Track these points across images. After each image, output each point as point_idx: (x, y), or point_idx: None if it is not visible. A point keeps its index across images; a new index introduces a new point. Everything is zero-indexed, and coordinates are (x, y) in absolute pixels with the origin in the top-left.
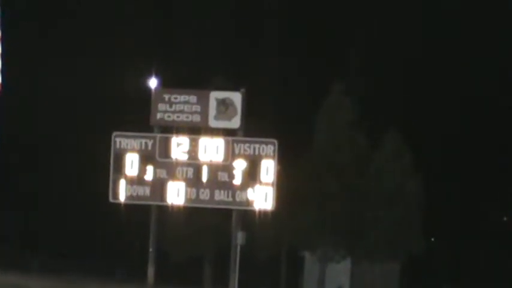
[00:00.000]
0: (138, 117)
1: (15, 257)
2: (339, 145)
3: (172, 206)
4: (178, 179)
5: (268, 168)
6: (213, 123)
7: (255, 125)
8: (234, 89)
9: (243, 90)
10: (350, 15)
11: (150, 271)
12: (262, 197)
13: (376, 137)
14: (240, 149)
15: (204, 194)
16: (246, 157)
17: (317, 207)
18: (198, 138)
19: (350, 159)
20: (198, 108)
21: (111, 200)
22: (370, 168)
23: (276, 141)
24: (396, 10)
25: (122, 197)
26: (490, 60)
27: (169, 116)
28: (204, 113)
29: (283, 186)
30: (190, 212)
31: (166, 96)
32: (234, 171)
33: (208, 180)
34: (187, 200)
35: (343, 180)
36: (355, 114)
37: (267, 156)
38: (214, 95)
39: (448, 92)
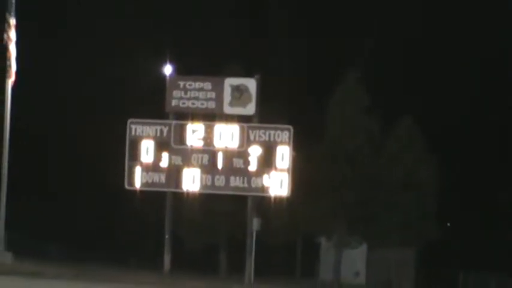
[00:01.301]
0: (153, 104)
1: (32, 245)
2: (352, 132)
3: (188, 193)
4: (193, 166)
5: (284, 155)
6: (227, 109)
7: (269, 111)
8: (249, 75)
9: (257, 76)
10: (365, 2)
11: (166, 258)
12: (277, 183)
13: (389, 123)
14: (255, 136)
15: (220, 181)
16: (261, 143)
17: (332, 194)
18: (213, 125)
19: (364, 146)
20: (212, 94)
21: (126, 187)
22: (383, 154)
23: (291, 128)
24: None
25: (138, 184)
26: (505, 44)
27: (184, 103)
28: (219, 100)
29: (299, 173)
30: (206, 199)
31: (181, 83)
32: (249, 158)
33: (223, 166)
34: (202, 186)
35: (357, 167)
36: (368, 101)
37: (282, 142)
38: (229, 82)
39: (461, 77)
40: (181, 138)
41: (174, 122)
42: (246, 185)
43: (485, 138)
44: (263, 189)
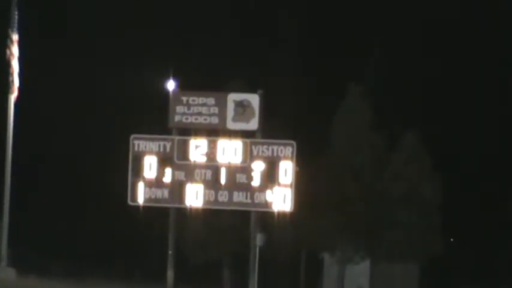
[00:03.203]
0: (156, 119)
1: (34, 260)
2: (357, 147)
3: (191, 208)
4: (196, 181)
5: (287, 170)
6: (231, 125)
7: (273, 127)
8: (252, 91)
9: (260, 92)
10: (368, 16)
11: (170, 274)
12: (280, 199)
13: (394, 139)
14: (258, 151)
15: (223, 196)
16: (265, 159)
17: (336, 209)
18: (216, 140)
19: (368, 161)
20: (216, 110)
21: (129, 202)
22: (388, 169)
23: (294, 143)
24: (412, 11)
25: (141, 200)
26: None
27: (187, 118)
28: (222, 115)
29: (302, 188)
30: (209, 214)
31: (184, 99)
32: (253, 173)
33: (226, 182)
34: (205, 202)
35: (362, 182)
36: (373, 116)
37: (285, 157)
38: (232, 97)
39: (466, 93)
40: (184, 153)
41: (177, 138)
42: (249, 200)
43: (490, 153)
44: (266, 204)
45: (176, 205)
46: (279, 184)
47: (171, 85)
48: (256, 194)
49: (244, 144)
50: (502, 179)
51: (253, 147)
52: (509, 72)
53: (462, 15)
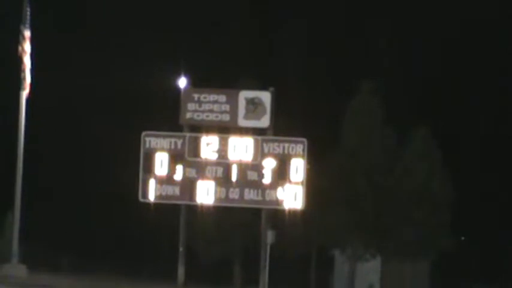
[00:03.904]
0: (168, 116)
1: (44, 257)
2: (367, 144)
3: (202, 206)
4: (207, 178)
5: (298, 167)
6: (242, 122)
7: (284, 124)
8: (263, 88)
9: (272, 89)
10: (379, 13)
11: (180, 271)
12: (291, 196)
13: (404, 136)
14: (269, 148)
15: (234, 194)
16: (276, 156)
17: (346, 206)
18: (228, 138)
19: (379, 158)
20: (227, 107)
21: (140, 199)
22: (399, 166)
23: (305, 140)
24: (422, 7)
25: (152, 197)
26: None
27: (198, 116)
28: (234, 112)
29: (313, 185)
30: (220, 212)
31: (196, 96)
32: (264, 171)
33: (237, 179)
34: (216, 199)
35: (372, 179)
36: (384, 113)
37: (296, 155)
38: (244, 95)
39: (476, 90)
40: (195, 150)
41: (188, 135)
42: (260, 197)
43: (501, 150)
44: (277, 202)
45: (187, 202)
46: (290, 181)
47: (182, 82)
48: (267, 191)
49: (256, 142)
50: None
51: (264, 144)
52: None
53: (473, 12)
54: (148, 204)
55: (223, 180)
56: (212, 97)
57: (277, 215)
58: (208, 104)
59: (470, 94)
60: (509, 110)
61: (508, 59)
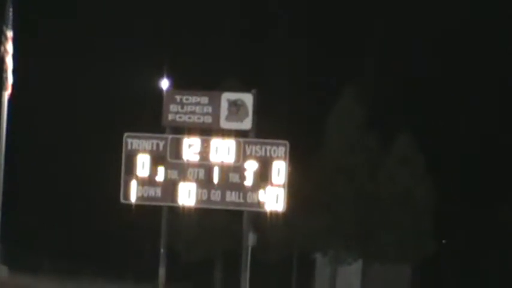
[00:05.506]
0: (150, 118)
1: (25, 258)
2: (350, 148)
3: (184, 207)
4: (189, 180)
5: (280, 170)
6: (224, 124)
7: (266, 126)
8: (246, 90)
9: (254, 91)
10: (362, 16)
11: (161, 272)
12: (273, 199)
13: (387, 140)
14: (251, 150)
15: (215, 195)
16: (257, 158)
17: (328, 210)
18: (210, 139)
19: (361, 162)
20: (209, 109)
21: (122, 200)
22: (381, 171)
23: (287, 143)
24: (406, 10)
25: (133, 198)
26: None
27: (180, 117)
28: (216, 114)
29: (295, 188)
30: (201, 213)
31: (178, 97)
32: (245, 173)
33: (219, 181)
34: (198, 201)
35: (354, 183)
36: (367, 117)
37: (278, 157)
38: (226, 96)
39: (460, 95)
40: (177, 152)
41: (170, 136)
42: (241, 200)
43: (484, 155)
44: (259, 204)
45: (169, 204)
46: (271, 184)
47: (164, 84)
48: (249, 193)
49: (238, 144)
50: (494, 180)
51: (246, 146)
52: (506, 73)
53: (458, 16)
54: (130, 206)
55: (205, 182)
56: (194, 99)
57: (259, 218)
58: (191, 106)
59: (453, 99)
60: (493, 114)
61: (495, 62)
